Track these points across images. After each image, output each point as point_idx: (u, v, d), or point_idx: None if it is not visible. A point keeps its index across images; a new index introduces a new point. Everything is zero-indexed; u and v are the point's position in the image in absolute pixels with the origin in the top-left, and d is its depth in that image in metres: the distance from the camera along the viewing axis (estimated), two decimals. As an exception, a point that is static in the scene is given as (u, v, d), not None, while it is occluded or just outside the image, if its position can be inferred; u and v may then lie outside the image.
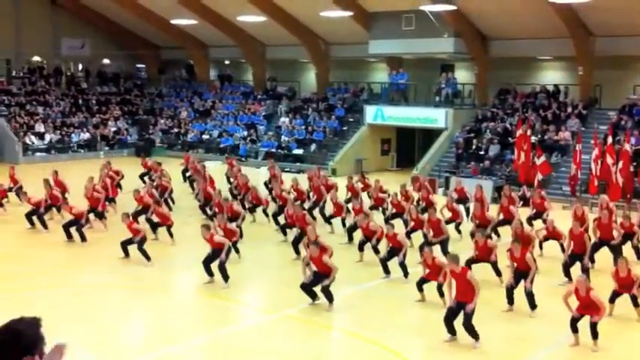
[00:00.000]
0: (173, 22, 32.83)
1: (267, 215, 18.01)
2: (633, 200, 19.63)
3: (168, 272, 14.21)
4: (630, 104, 24.71)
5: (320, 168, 22.89)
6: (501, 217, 16.02)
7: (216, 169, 26.13)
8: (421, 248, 13.42)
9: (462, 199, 18.01)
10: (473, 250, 12.88)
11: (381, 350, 9.92)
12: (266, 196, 18.86)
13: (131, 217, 14.98)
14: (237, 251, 14.50)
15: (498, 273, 12.81)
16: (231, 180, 21.28)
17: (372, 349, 10.03)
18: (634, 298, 10.93)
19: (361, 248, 14.48)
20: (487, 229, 14.56)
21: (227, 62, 39.06)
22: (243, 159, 29.63)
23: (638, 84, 25.73)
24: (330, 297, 11.57)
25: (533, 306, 11.35)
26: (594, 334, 9.74)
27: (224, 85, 37.73)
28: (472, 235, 14.11)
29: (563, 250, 13.92)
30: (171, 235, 15.99)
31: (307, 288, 11.60)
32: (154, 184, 19.69)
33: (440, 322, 10.13)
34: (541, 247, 14.71)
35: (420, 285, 11.83)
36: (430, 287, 11.73)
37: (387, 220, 15.73)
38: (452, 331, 10.05)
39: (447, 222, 15.73)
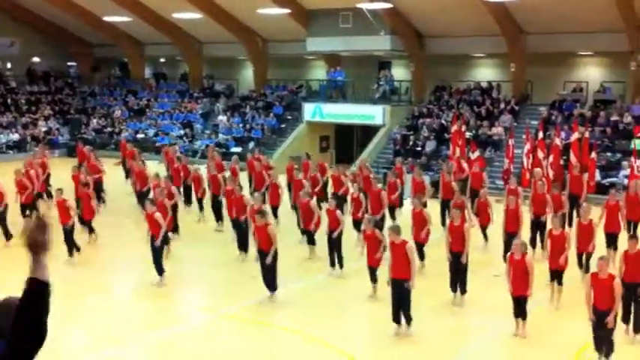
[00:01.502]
0: (106, 19, 32.04)
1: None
2: (563, 192, 20.22)
3: (106, 274, 13.86)
4: (560, 100, 25.52)
5: (260, 151, 22.72)
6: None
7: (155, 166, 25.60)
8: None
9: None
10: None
11: (325, 348, 9.91)
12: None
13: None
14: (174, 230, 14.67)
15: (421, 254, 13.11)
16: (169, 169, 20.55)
17: (315, 346, 10.01)
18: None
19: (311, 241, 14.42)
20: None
21: (162, 60, 38.40)
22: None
23: (568, 80, 26.61)
24: (271, 284, 11.54)
25: (463, 291, 11.61)
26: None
27: (159, 84, 37.09)
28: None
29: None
30: (91, 230, 15.48)
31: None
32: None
33: (384, 316, 10.18)
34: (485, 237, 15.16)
35: (372, 275, 11.81)
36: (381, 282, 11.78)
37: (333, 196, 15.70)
38: (398, 319, 10.11)
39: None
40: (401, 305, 10.06)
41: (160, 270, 12.52)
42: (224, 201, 15.96)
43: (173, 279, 12.80)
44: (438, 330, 10.58)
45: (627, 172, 20.30)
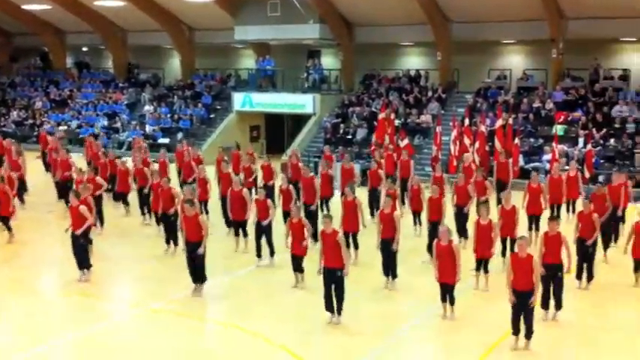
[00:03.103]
0: (25, 7, 30.76)
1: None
2: (489, 178, 20.66)
3: (29, 271, 13.27)
4: (485, 87, 26.07)
5: (189, 143, 22.29)
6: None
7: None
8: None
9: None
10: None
11: (255, 338, 9.78)
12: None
13: None
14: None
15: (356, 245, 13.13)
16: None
17: (247, 337, 9.86)
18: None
19: (237, 233, 14.18)
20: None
21: (85, 49, 37.20)
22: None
23: (492, 68, 27.19)
24: (200, 276, 11.35)
25: (394, 275, 11.71)
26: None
27: (82, 73, 35.92)
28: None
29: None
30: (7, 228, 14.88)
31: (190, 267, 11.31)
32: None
33: (314, 305, 10.12)
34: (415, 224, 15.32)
35: (297, 265, 11.70)
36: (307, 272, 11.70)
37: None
38: (331, 308, 10.06)
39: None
40: (335, 294, 10.03)
41: (83, 264, 12.11)
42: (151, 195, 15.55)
43: (99, 274, 12.42)
44: (369, 316, 10.62)
45: (549, 156, 20.91)
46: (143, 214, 16.57)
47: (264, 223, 12.96)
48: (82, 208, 12.04)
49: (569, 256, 10.17)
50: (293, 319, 10.63)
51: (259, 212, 13.04)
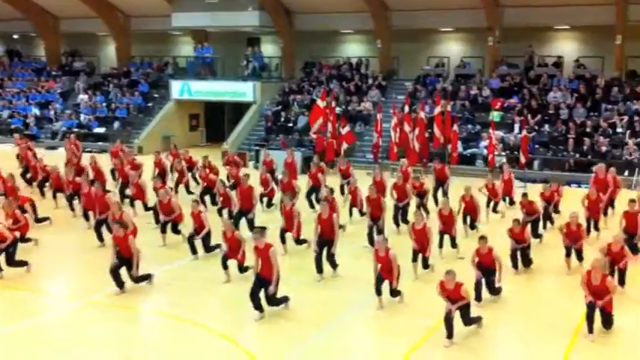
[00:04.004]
0: (-53, -9, 29.40)
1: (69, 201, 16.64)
2: (428, 164, 20.92)
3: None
4: (424, 75, 26.32)
5: (123, 142, 21.80)
6: (310, 184, 16.40)
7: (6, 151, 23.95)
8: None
9: (270, 170, 17.91)
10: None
11: (195, 328, 9.61)
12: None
13: None
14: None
15: (300, 242, 13.03)
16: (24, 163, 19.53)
17: (184, 327, 9.69)
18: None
19: (164, 230, 13.73)
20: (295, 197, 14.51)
21: (16, 37, 35.83)
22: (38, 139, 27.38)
23: (431, 55, 27.47)
24: (139, 281, 11.11)
25: (334, 266, 11.69)
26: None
27: (13, 62, 34.64)
28: (281, 201, 14.14)
29: (362, 214, 14.71)
30: None
31: (115, 272, 10.92)
32: None
33: (247, 298, 9.98)
34: (351, 214, 15.19)
35: (224, 263, 11.51)
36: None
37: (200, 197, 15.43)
38: (259, 307, 9.93)
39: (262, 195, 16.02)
40: (269, 301, 9.92)
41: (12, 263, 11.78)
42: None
43: (35, 268, 11.98)
44: (307, 304, 10.56)
45: (486, 142, 21.29)
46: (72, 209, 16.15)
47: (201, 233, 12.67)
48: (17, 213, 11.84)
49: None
50: (233, 307, 10.50)
51: (196, 225, 12.73)
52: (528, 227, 12.59)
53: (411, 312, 10.24)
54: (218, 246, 12.62)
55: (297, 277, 11.26)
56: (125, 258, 10.91)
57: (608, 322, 9.26)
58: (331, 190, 14.46)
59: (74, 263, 13.01)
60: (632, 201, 12.85)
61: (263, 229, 10.55)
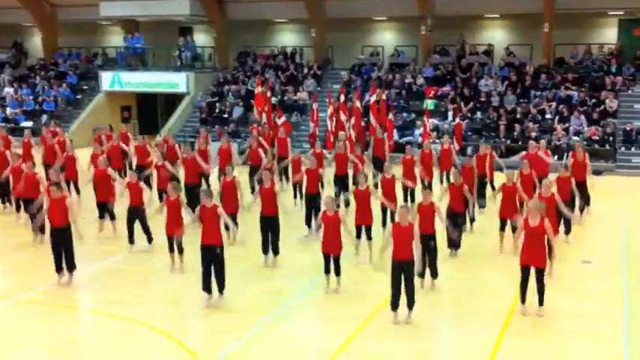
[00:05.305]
0: None
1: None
2: (366, 152, 21.02)
3: None
4: (359, 64, 26.42)
5: (56, 123, 21.08)
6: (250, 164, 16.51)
7: None
8: None
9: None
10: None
11: (130, 324, 9.35)
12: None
13: None
14: None
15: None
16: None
17: (118, 323, 9.40)
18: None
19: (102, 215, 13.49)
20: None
21: None
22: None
23: (365, 45, 27.59)
24: (70, 265, 10.80)
25: (276, 252, 11.62)
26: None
27: None
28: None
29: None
30: None
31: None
32: None
33: (190, 287, 9.80)
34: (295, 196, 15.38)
35: (171, 245, 11.31)
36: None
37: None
38: (209, 288, 9.80)
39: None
40: (215, 271, 9.77)
41: None
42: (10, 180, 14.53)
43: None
44: (251, 294, 10.44)
45: (421, 130, 21.54)
46: (4, 202, 15.48)
47: (139, 209, 12.38)
48: None
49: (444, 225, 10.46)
50: (170, 302, 10.27)
51: (132, 197, 12.46)
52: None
53: (354, 299, 10.19)
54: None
55: (240, 267, 11.12)
56: (58, 228, 10.63)
57: (541, 290, 9.38)
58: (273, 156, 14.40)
59: (6, 260, 12.49)
60: (565, 167, 13.28)
61: (210, 191, 10.37)
